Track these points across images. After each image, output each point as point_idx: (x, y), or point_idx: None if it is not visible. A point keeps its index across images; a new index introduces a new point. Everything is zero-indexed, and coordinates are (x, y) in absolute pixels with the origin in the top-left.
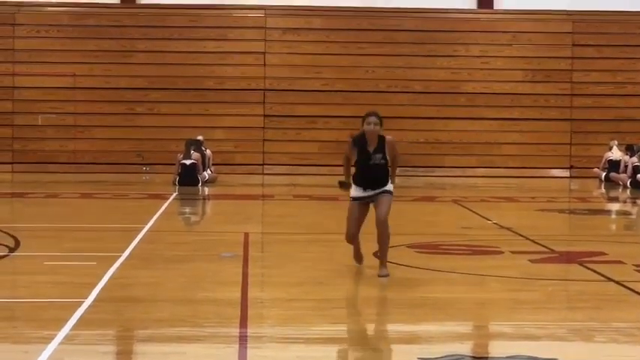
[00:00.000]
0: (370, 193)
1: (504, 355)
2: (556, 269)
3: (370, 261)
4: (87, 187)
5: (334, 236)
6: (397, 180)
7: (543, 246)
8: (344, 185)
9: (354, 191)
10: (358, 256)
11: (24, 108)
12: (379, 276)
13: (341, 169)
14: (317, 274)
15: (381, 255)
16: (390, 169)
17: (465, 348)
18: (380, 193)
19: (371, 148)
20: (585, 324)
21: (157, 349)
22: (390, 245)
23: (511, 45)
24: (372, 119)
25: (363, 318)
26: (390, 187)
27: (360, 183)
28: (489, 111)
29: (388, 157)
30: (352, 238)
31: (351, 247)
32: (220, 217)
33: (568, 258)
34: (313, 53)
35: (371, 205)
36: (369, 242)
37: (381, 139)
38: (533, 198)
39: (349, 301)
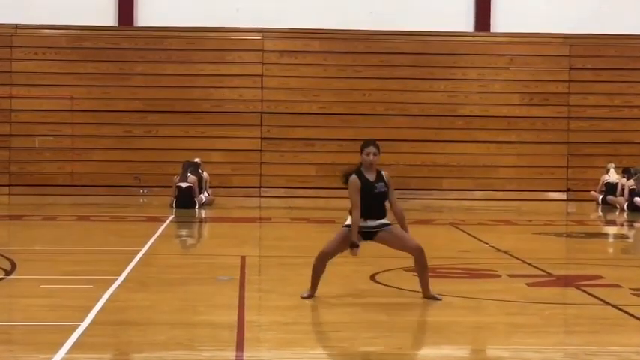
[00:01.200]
0: (370, 223)
1: None
2: (553, 293)
3: (366, 284)
4: (84, 210)
5: (332, 260)
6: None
7: (540, 269)
8: (356, 245)
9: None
10: (316, 282)
11: (21, 130)
12: (436, 298)
13: (339, 193)
14: (314, 297)
15: (424, 282)
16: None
17: None
18: (383, 226)
19: (372, 178)
20: (582, 348)
21: None
22: (386, 268)
23: (508, 68)
24: (372, 150)
25: (360, 341)
26: (387, 220)
27: (365, 215)
28: (486, 134)
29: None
30: (323, 258)
31: (345, 271)
32: (217, 240)
33: (565, 281)
34: (310, 76)
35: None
36: (367, 265)
37: (379, 172)
38: (530, 221)
39: (346, 325)
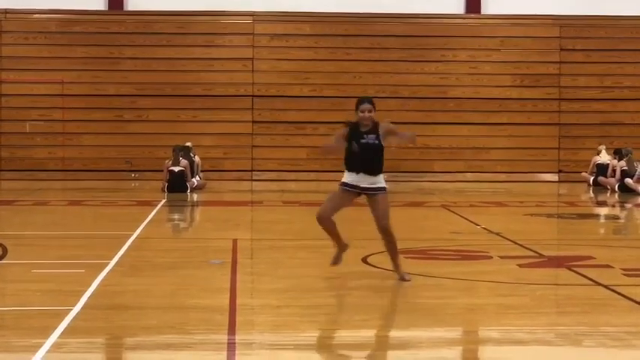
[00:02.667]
0: (364, 184)
1: None
2: (545, 274)
3: (357, 267)
4: (75, 195)
5: (324, 242)
6: (388, 185)
7: (532, 250)
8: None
9: (346, 177)
10: (335, 237)
11: (12, 115)
12: (404, 280)
13: (331, 175)
14: (306, 280)
15: (395, 262)
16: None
17: (454, 353)
18: (375, 190)
19: (364, 129)
20: (574, 328)
21: (145, 357)
22: (380, 251)
23: (499, 50)
24: (366, 106)
25: (352, 324)
26: (384, 183)
27: (352, 166)
28: (477, 116)
29: (384, 142)
30: (323, 220)
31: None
32: (209, 224)
33: (557, 262)
34: (301, 59)
35: (360, 203)
36: (358, 248)
37: (375, 125)
38: (521, 202)
39: (338, 307)
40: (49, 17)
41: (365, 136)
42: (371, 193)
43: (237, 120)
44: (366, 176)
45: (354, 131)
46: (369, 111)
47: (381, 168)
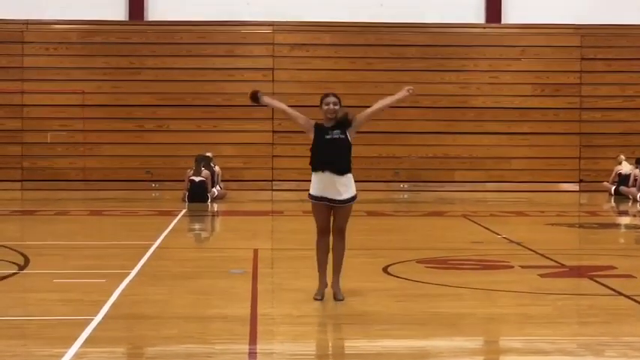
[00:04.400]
0: (329, 194)
1: None
2: (566, 283)
3: (378, 277)
4: (96, 205)
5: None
6: (407, 195)
7: (553, 260)
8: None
9: (314, 186)
10: (324, 270)
11: (33, 126)
12: (337, 299)
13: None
14: (327, 290)
15: (336, 270)
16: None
17: None
18: (342, 202)
19: (328, 125)
20: (596, 338)
21: None
22: (399, 260)
23: (519, 59)
24: (331, 99)
25: (372, 333)
26: (352, 193)
27: (318, 164)
28: (498, 125)
29: (350, 137)
30: (326, 231)
31: (357, 263)
32: (229, 234)
33: (578, 272)
34: (321, 69)
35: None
36: (380, 257)
37: (342, 119)
38: (542, 212)
39: (359, 317)
40: (70, 28)
41: (330, 132)
42: (339, 206)
43: (257, 130)
44: (335, 177)
45: (319, 128)
46: (334, 104)
47: (348, 170)
